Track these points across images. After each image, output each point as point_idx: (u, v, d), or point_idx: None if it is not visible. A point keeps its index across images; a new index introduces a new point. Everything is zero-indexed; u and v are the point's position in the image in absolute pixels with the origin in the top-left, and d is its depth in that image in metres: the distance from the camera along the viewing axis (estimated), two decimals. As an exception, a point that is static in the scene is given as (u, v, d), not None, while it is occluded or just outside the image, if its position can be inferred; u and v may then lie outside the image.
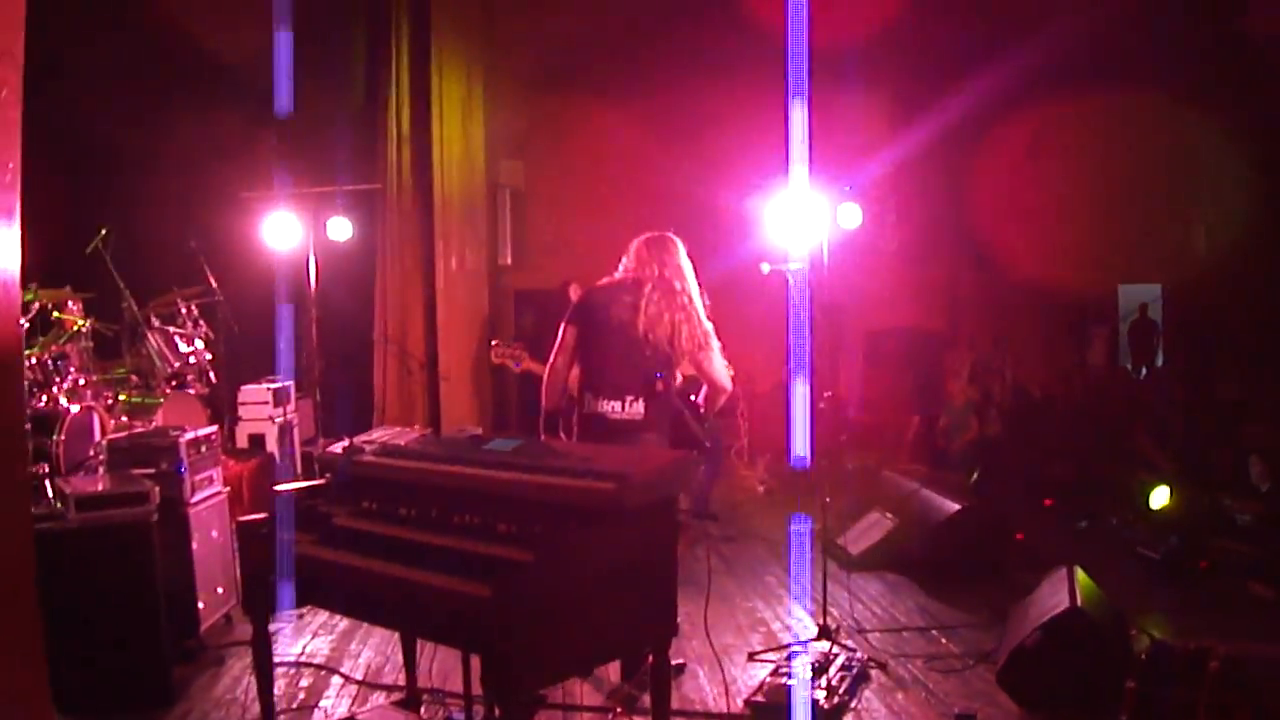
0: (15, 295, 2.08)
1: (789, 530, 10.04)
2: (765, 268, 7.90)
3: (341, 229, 12.36)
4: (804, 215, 7.47)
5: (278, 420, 11.31)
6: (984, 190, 14.35)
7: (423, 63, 13.70)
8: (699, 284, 6.63)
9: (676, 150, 14.07)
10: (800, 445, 7.58)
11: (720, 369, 6.54)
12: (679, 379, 6.60)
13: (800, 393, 7.47)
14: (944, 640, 7.23)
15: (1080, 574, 6.28)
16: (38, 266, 9.38)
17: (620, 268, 6.65)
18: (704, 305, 6.56)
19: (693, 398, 6.76)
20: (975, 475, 11.22)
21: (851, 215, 9.64)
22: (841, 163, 11.48)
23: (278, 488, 5.18)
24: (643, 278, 6.46)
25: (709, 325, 6.53)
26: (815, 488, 8.08)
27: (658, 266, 6.51)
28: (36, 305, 8.84)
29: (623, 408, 6.25)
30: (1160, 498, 9.56)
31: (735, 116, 13.58)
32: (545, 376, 6.54)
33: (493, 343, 9.47)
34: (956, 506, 8.85)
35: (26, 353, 8.42)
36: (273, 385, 11.48)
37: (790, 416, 7.53)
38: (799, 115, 7.28)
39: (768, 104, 9.27)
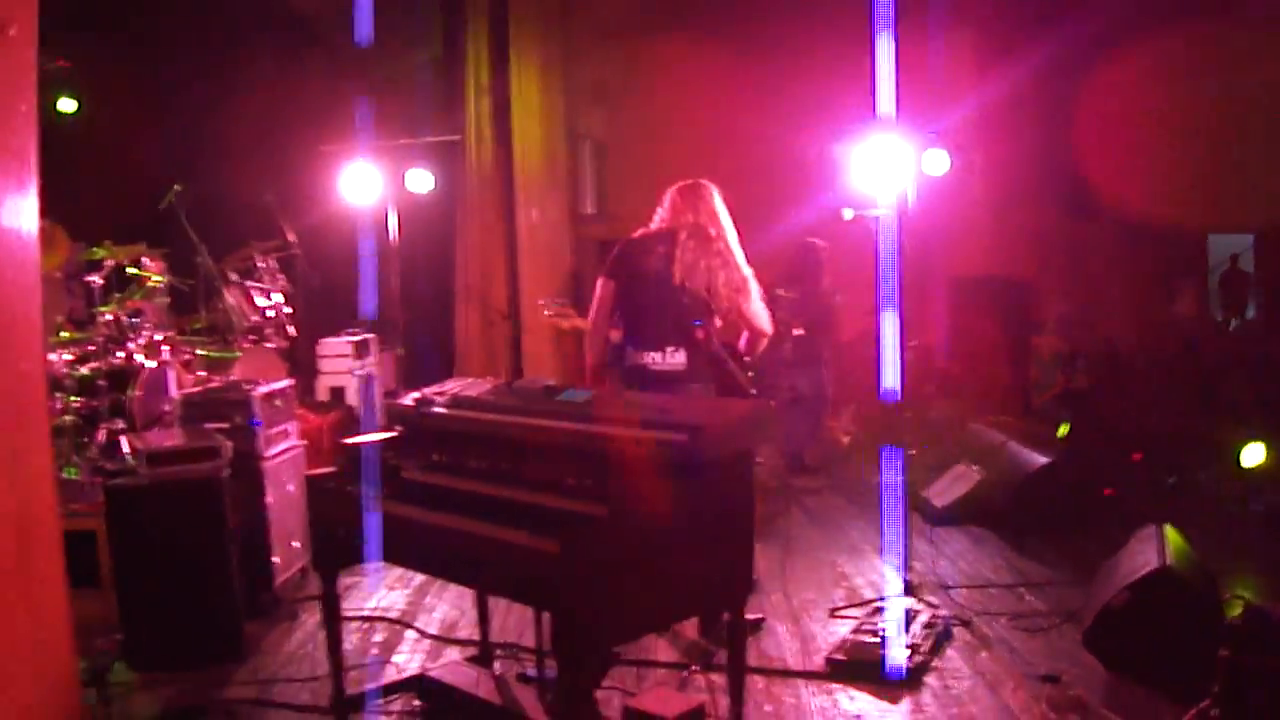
0: (33, 245, 1.98)
1: (873, 482, 9.90)
2: (848, 213, 7.75)
3: (422, 181, 12.27)
4: (889, 160, 7.30)
5: (358, 373, 11.29)
6: (1073, 136, 14.06)
7: (500, 12, 13.61)
8: (737, 231, 6.64)
9: (760, 95, 13.84)
10: (890, 379, 7.43)
11: (761, 313, 6.61)
12: (718, 325, 6.51)
13: (890, 328, 7.32)
14: (1029, 598, 7.07)
15: (1170, 532, 6.08)
16: (114, 222, 9.40)
17: (655, 218, 6.67)
18: (741, 251, 6.56)
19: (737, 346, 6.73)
20: (1065, 429, 10.98)
21: (938, 161, 9.41)
22: (928, 107, 11.26)
23: (346, 440, 5.12)
24: (678, 226, 6.48)
25: (747, 270, 6.55)
26: (901, 439, 7.92)
27: (692, 214, 6.53)
28: (111, 262, 8.84)
29: (664, 358, 6.32)
30: (1254, 455, 9.28)
31: (821, 60, 13.34)
32: (588, 332, 6.62)
33: (539, 302, 9.35)
34: (1044, 460, 8.68)
35: (102, 309, 8.44)
36: (353, 338, 11.46)
37: (879, 356, 7.39)
38: (885, 56, 7.08)
39: (853, 47, 9.08)
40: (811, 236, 11.06)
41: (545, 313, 9.22)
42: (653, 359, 6.31)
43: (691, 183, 6.70)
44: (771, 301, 7.50)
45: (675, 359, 6.30)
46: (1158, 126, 13.88)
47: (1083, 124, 13.82)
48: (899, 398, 7.83)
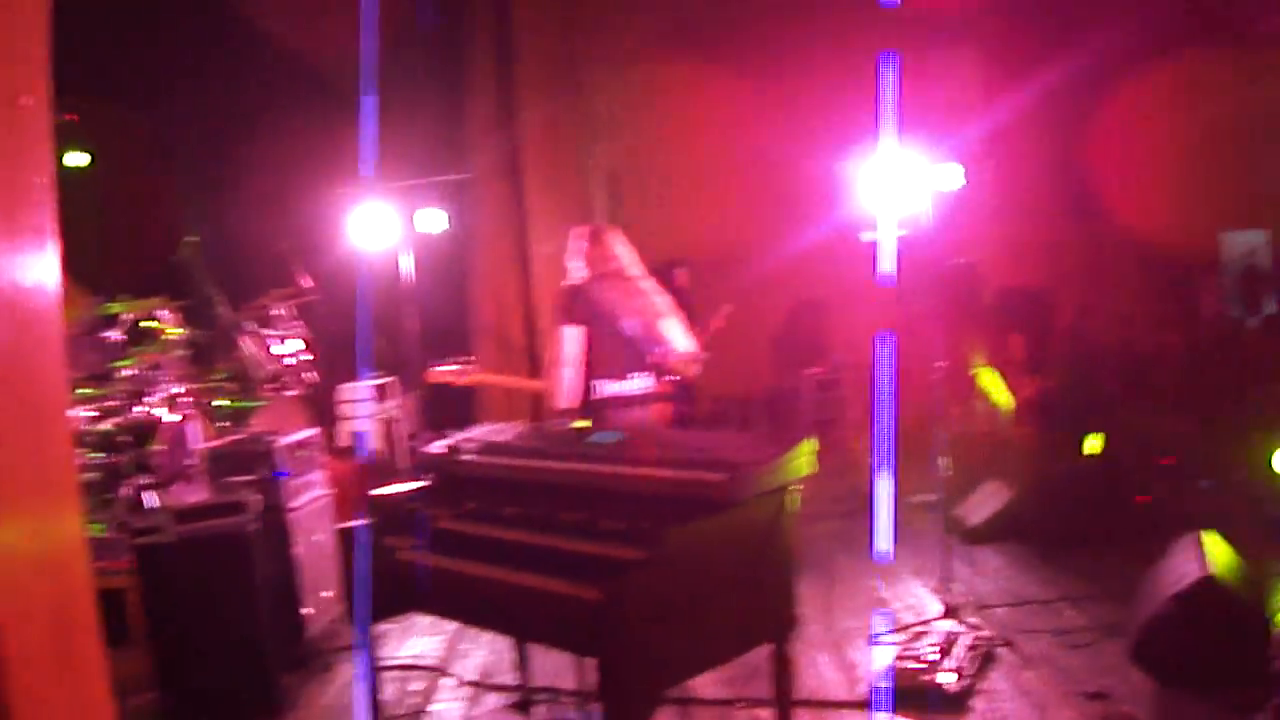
0: (55, 323, 1.93)
1: (906, 502, 9.84)
2: (867, 236, 7.71)
3: (434, 220, 12.25)
4: (900, 179, 7.24)
5: (380, 417, 11.26)
6: (1083, 145, 14.06)
7: (506, 50, 13.65)
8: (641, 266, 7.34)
9: (770, 119, 13.84)
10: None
11: (682, 337, 7.11)
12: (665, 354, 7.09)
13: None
14: (1070, 613, 7.00)
15: (1212, 539, 5.99)
16: (129, 276, 9.38)
17: (572, 267, 7.30)
18: (650, 283, 7.27)
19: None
20: (1097, 443, 10.89)
21: (951, 176, 9.36)
22: (939, 124, 11.22)
23: (375, 492, 5.08)
24: (605, 272, 7.11)
25: (662, 299, 7.20)
26: (929, 458, 7.86)
27: (609, 260, 7.19)
28: (128, 317, 8.81)
29: (628, 386, 6.93)
30: (1284, 457, 9.16)
31: (831, 82, 13.33)
32: (560, 374, 7.13)
33: (435, 369, 8.87)
34: (1073, 471, 8.62)
35: (121, 364, 8.41)
36: (373, 382, 11.43)
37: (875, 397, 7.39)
38: (892, 77, 7.06)
39: (863, 67, 9.05)
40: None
41: (431, 378, 8.88)
42: (620, 388, 6.86)
43: (594, 229, 7.41)
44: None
45: (637, 385, 6.91)
46: (1168, 131, 13.88)
47: (1092, 134, 13.82)
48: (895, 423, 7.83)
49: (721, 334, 12.12)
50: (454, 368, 7.50)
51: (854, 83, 10.15)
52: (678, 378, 7.23)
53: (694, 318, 12.20)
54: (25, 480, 1.87)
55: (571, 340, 7.02)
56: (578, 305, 7.08)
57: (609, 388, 6.91)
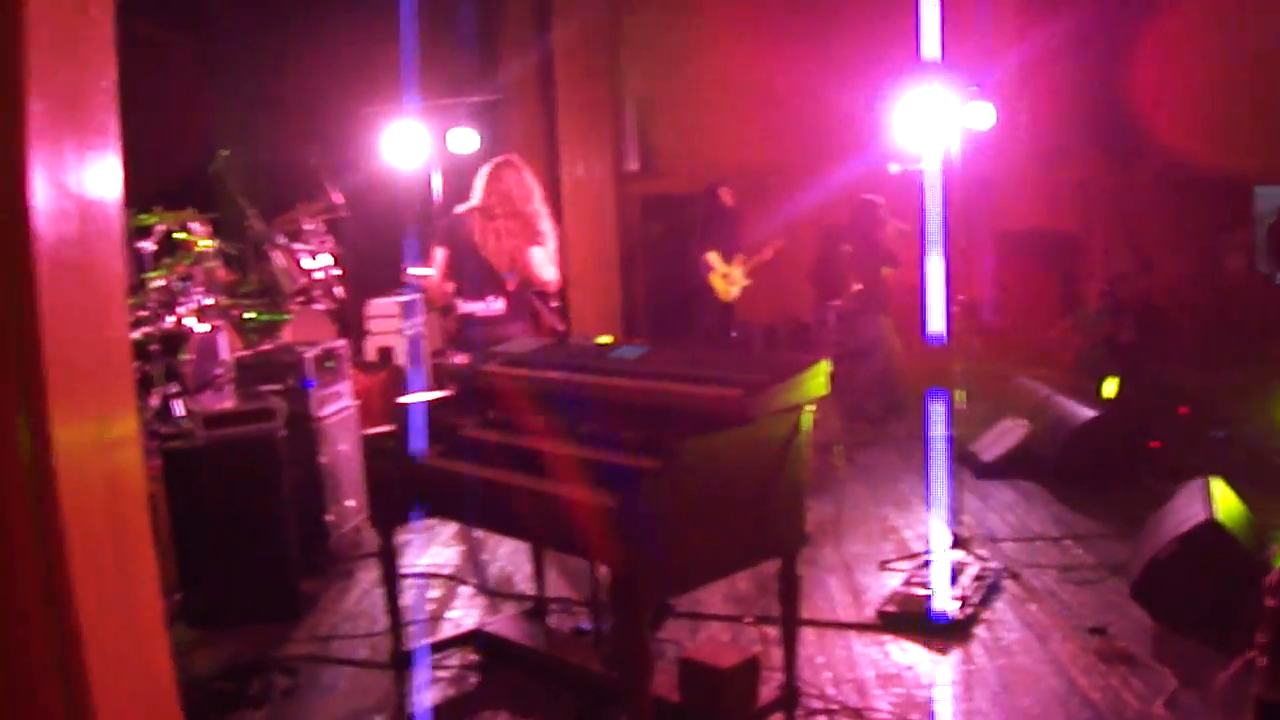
0: (116, 218, 2.06)
1: (922, 436, 9.96)
2: (894, 168, 7.78)
3: (466, 140, 12.28)
4: (933, 113, 7.27)
5: (407, 333, 11.35)
6: (1117, 88, 13.95)
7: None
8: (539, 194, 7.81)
9: (804, 50, 13.81)
10: (935, 323, 7.47)
11: (544, 268, 7.63)
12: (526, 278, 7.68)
13: (934, 272, 7.36)
14: (1078, 550, 7.09)
15: (1218, 485, 6.08)
16: (162, 189, 9.47)
17: (474, 192, 7.68)
18: (541, 213, 7.74)
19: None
20: (1113, 386, 10.96)
21: (982, 114, 9.36)
22: (972, 60, 11.21)
23: (402, 399, 5.19)
24: (489, 204, 7.55)
25: (543, 229, 7.68)
26: (949, 393, 7.95)
27: (499, 189, 7.58)
28: (161, 228, 8.90)
29: (486, 306, 7.55)
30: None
31: (864, 13, 13.30)
32: (432, 286, 7.87)
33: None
34: (1091, 414, 8.68)
35: (153, 274, 8.50)
36: (401, 299, 11.51)
37: (923, 300, 7.45)
38: (928, 10, 7.08)
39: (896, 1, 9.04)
40: (867, 193, 11.13)
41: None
42: (477, 307, 7.56)
43: (498, 161, 7.70)
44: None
45: (494, 306, 7.53)
46: (1204, 77, 13.73)
47: (1129, 75, 13.71)
48: (945, 340, 7.88)
49: (766, 265, 12.23)
50: (427, 271, 7.76)
51: (889, 15, 10.18)
52: (545, 301, 7.83)
53: (737, 236, 12.28)
54: (90, 363, 2.00)
55: (437, 259, 7.67)
56: (449, 232, 7.73)
57: (466, 306, 7.58)
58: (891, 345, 11.27)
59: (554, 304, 7.96)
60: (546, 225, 7.72)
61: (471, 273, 7.63)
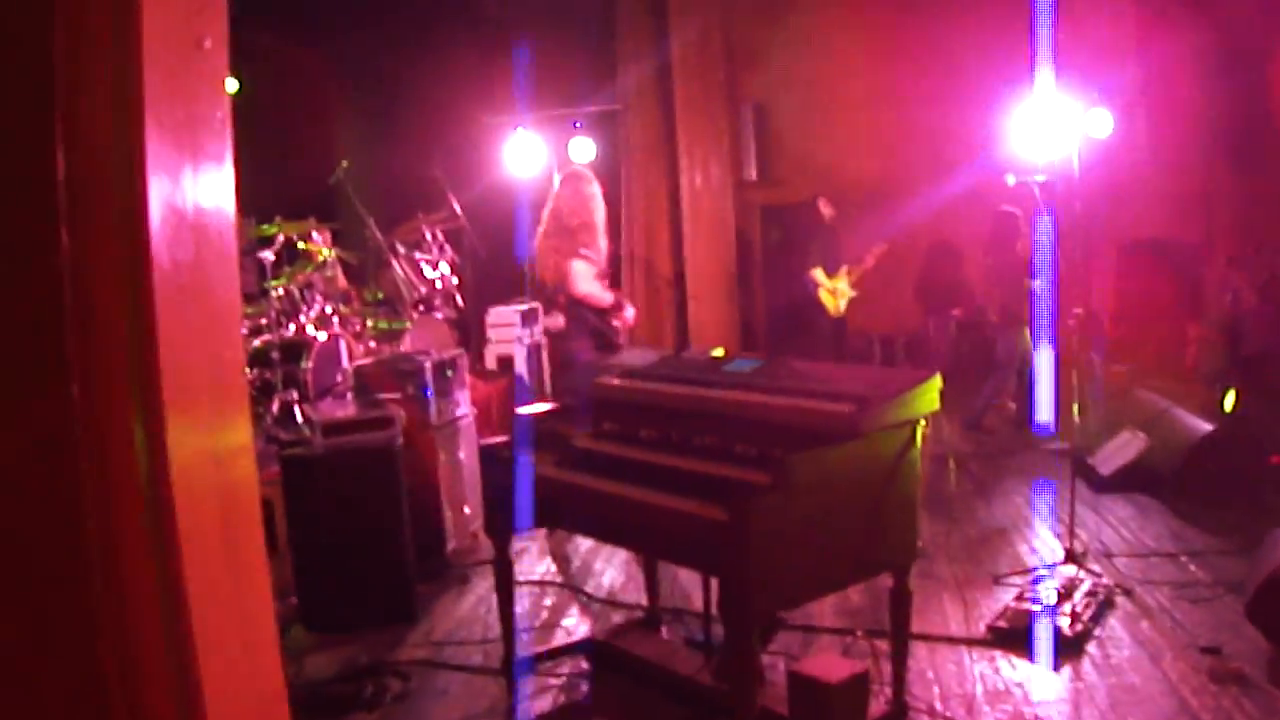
0: (231, 241, 2.13)
1: (1041, 449, 9.88)
2: (1011, 179, 7.71)
3: (584, 149, 12.40)
4: (1050, 124, 7.20)
5: (525, 341, 11.45)
6: (1241, 98, 13.72)
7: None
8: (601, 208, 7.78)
9: (921, 57, 13.74)
10: (1044, 413, 7.43)
11: (589, 291, 7.61)
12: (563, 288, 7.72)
13: (1045, 363, 7.33)
14: (1193, 567, 6.96)
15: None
16: (283, 199, 9.64)
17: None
18: (596, 228, 7.71)
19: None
20: (1232, 395, 10.77)
21: (1101, 122, 9.26)
22: (1091, 68, 11.09)
23: (519, 410, 5.26)
24: (543, 220, 7.71)
25: (586, 255, 7.61)
26: (1067, 406, 7.86)
27: (554, 208, 7.68)
28: (282, 237, 9.05)
29: (550, 321, 7.87)
30: None
31: (982, 21, 13.20)
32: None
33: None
34: (1209, 427, 8.54)
35: (274, 283, 8.66)
36: (520, 307, 11.62)
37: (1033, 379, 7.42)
38: (1045, 18, 7.03)
39: (1015, 8, 8.98)
40: (1007, 205, 11.05)
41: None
42: (547, 322, 7.73)
43: (566, 174, 7.86)
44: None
45: (557, 321, 7.76)
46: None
47: (1252, 80, 13.45)
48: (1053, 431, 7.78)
49: (871, 273, 12.19)
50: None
51: (1007, 23, 10.10)
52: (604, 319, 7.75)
53: (839, 249, 12.25)
54: (204, 381, 2.05)
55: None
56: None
57: (545, 319, 7.96)
58: (1027, 360, 11.17)
59: (615, 322, 7.86)
60: (598, 241, 7.71)
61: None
